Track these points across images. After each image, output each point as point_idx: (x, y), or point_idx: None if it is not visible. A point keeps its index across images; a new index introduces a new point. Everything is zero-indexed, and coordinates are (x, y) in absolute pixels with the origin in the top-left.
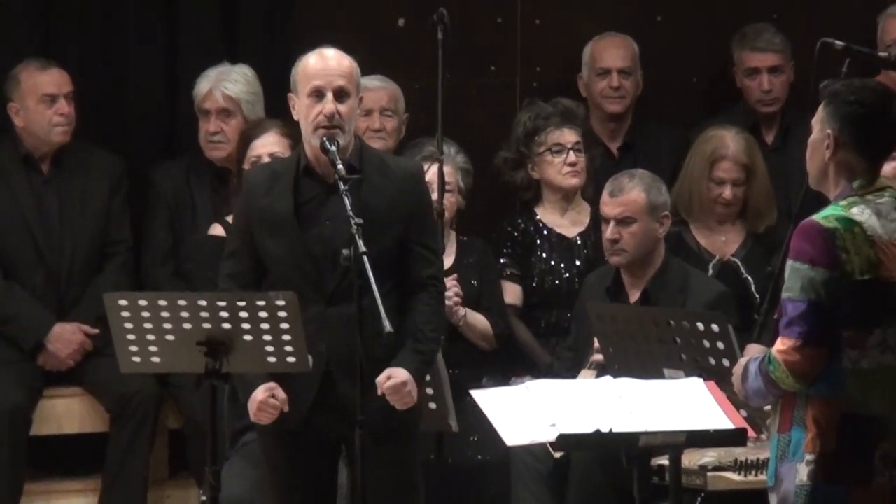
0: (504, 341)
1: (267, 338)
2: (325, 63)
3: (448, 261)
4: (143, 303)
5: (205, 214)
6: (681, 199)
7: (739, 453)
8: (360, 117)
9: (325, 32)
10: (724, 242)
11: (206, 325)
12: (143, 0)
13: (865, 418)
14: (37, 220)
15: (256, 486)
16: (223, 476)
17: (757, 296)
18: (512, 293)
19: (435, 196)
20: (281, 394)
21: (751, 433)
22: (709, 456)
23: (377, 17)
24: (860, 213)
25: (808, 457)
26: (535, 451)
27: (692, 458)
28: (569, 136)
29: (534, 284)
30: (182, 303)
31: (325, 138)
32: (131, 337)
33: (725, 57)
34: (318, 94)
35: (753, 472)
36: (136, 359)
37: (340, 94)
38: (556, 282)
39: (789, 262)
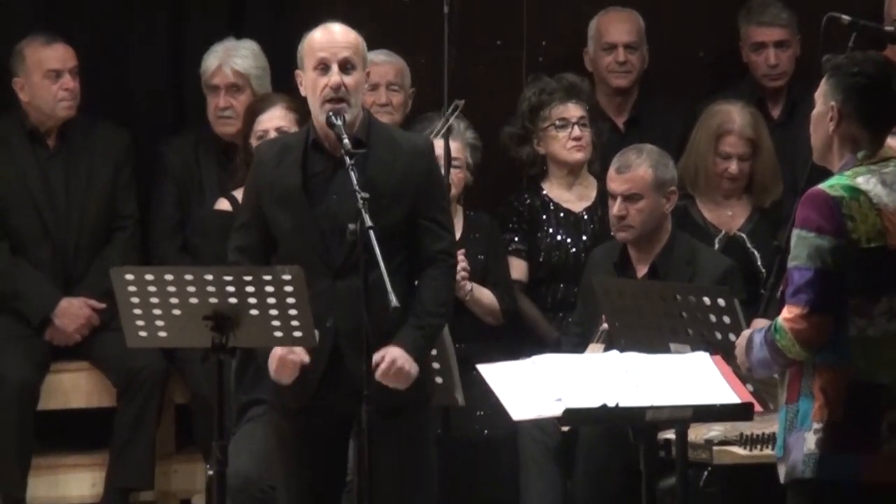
0: (510, 316)
1: (273, 312)
2: (330, 36)
3: (455, 236)
4: (149, 277)
5: (212, 189)
6: (687, 174)
7: (745, 428)
8: (366, 92)
9: (331, 7)
10: (730, 217)
11: (213, 300)
12: None
13: (873, 386)
14: (43, 195)
15: (263, 461)
16: (230, 450)
17: (763, 270)
18: (518, 269)
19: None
20: (301, 349)
21: (757, 407)
22: (715, 430)
23: None
24: (866, 182)
25: (816, 426)
26: (542, 426)
27: (698, 433)
28: (573, 110)
29: (540, 259)
30: (188, 277)
31: (331, 113)
32: (138, 311)
33: (732, 31)
34: (323, 66)
35: (759, 447)
36: (143, 333)
37: (346, 66)
38: (563, 257)
39: (795, 231)
